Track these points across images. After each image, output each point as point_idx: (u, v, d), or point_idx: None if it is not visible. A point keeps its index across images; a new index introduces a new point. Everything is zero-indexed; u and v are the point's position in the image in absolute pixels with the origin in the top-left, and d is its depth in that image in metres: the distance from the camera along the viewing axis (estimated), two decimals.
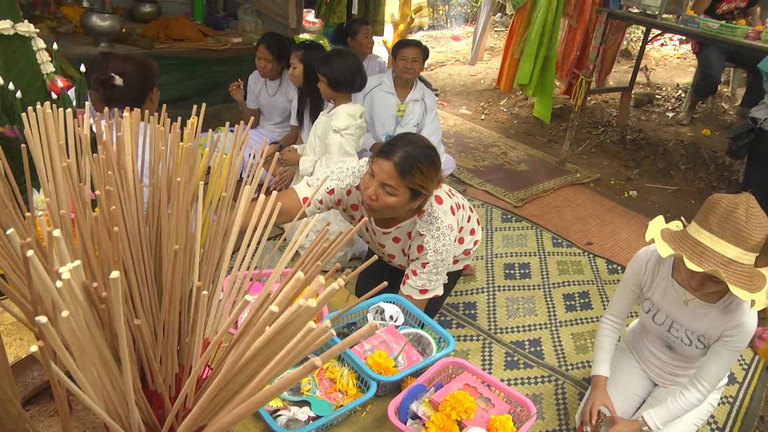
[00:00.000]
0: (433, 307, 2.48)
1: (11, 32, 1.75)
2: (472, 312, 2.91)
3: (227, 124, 1.09)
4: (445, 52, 7.91)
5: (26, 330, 1.27)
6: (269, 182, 3.56)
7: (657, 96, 6.34)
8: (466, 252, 2.54)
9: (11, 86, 1.68)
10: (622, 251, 3.58)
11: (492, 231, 3.65)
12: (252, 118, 1.15)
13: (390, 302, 1.72)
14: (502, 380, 2.20)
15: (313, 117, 3.48)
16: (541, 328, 2.86)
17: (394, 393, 1.41)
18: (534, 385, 2.51)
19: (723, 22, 3.76)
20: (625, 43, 7.30)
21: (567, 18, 5.34)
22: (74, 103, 1.90)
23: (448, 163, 4.08)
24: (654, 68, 7.35)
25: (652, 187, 4.57)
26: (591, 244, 3.63)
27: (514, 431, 1.32)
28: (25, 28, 1.76)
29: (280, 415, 1.29)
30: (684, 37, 7.37)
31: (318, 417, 1.30)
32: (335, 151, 2.94)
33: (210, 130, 1.10)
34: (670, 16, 4.02)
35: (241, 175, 1.04)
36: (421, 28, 8.42)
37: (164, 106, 1.01)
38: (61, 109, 0.84)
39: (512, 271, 3.28)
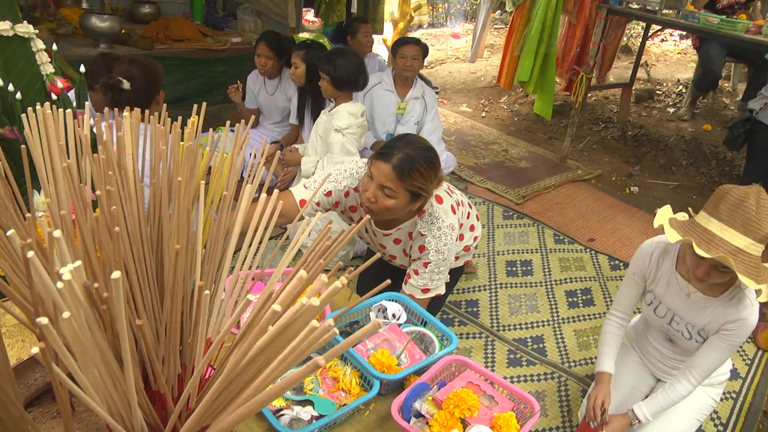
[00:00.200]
0: (435, 305, 2.48)
1: (10, 33, 1.74)
2: (475, 310, 2.91)
3: (227, 123, 1.09)
4: (445, 50, 7.91)
5: (28, 332, 1.27)
6: (270, 182, 3.57)
7: (658, 92, 6.33)
8: (467, 248, 2.54)
9: (11, 87, 1.68)
10: (623, 247, 3.58)
11: (493, 228, 3.64)
12: (252, 117, 1.14)
13: (392, 300, 1.72)
14: (505, 378, 2.20)
15: (314, 116, 3.47)
16: (543, 325, 2.86)
17: (397, 391, 1.41)
18: (537, 382, 2.50)
19: (723, 16, 3.75)
20: (625, 39, 7.29)
21: (567, 14, 5.33)
22: (74, 104, 1.90)
23: (448, 160, 4.08)
24: (654, 64, 7.33)
25: (654, 183, 4.56)
26: (593, 240, 3.63)
27: (517, 429, 1.32)
28: (25, 29, 1.75)
29: (283, 415, 1.29)
30: (684, 33, 7.37)
31: (321, 416, 1.30)
32: (337, 150, 2.93)
33: (210, 129, 1.09)
34: (671, 11, 4.01)
35: (242, 174, 1.03)
36: (420, 26, 8.40)
37: (164, 106, 1.01)
38: (61, 110, 0.84)
39: (514, 269, 3.27)
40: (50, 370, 0.57)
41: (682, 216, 1.89)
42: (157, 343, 0.81)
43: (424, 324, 1.66)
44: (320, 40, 4.23)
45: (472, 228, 2.53)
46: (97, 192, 0.76)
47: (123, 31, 4.27)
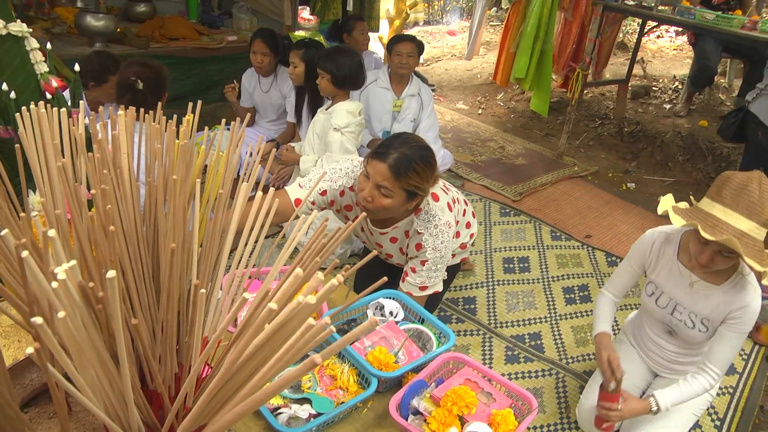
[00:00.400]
0: (432, 302, 2.48)
1: (4, 32, 1.73)
2: (472, 307, 2.91)
3: (223, 122, 1.09)
4: (441, 48, 7.90)
5: (24, 332, 1.27)
6: (266, 180, 3.57)
7: (654, 88, 6.33)
8: (463, 246, 2.54)
9: (5, 87, 1.67)
10: (620, 243, 3.58)
11: (490, 225, 3.64)
12: (248, 115, 1.14)
13: (390, 298, 1.72)
14: (503, 374, 2.20)
15: (312, 114, 3.47)
16: (541, 322, 2.86)
17: (395, 389, 1.41)
18: (535, 378, 2.51)
19: (719, 12, 3.75)
20: (621, 35, 7.29)
21: (563, 11, 5.33)
22: (69, 103, 1.89)
23: (445, 158, 4.08)
24: (650, 60, 7.34)
25: (650, 179, 4.56)
26: (590, 236, 3.63)
27: (515, 425, 1.32)
28: (18, 27, 1.74)
29: (281, 413, 1.29)
30: (680, 29, 7.37)
31: (319, 414, 1.30)
32: (336, 149, 2.92)
33: (206, 128, 1.09)
34: (666, 7, 4.01)
35: (238, 173, 1.03)
36: (416, 24, 8.40)
37: (159, 104, 1.01)
38: (55, 109, 0.83)
39: (511, 265, 3.27)
40: (46, 370, 0.57)
41: (684, 205, 1.90)
42: (153, 343, 0.81)
43: (422, 321, 1.66)
44: (316, 38, 4.22)
45: (468, 225, 2.53)
46: (92, 191, 0.75)
47: (118, 30, 4.25)
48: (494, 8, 8.61)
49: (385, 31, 6.67)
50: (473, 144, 4.89)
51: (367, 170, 1.96)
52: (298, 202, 2.05)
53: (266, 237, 0.89)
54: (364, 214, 1.02)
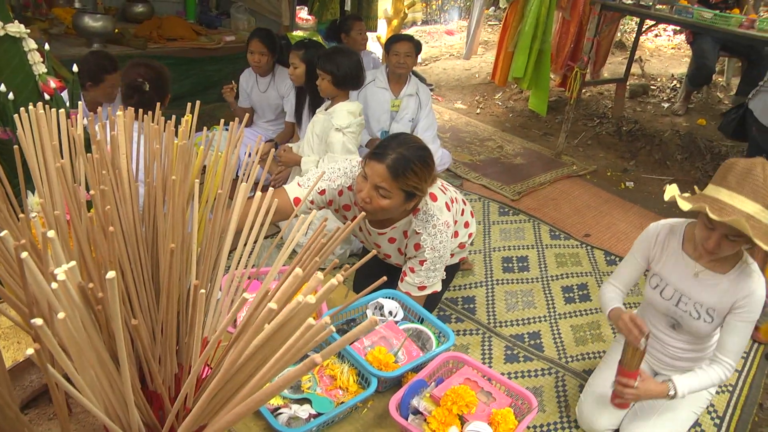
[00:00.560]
0: (431, 302, 2.48)
1: (2, 33, 1.73)
2: (471, 306, 2.91)
3: (221, 122, 1.09)
4: (439, 47, 7.90)
5: (24, 333, 1.27)
6: (265, 181, 3.56)
7: (652, 87, 6.33)
8: (462, 245, 2.54)
9: (3, 87, 1.67)
10: (619, 242, 3.58)
11: (489, 225, 3.64)
12: (246, 115, 1.14)
13: (389, 298, 1.72)
14: (503, 374, 2.20)
15: (312, 115, 3.46)
16: (540, 321, 2.86)
17: (394, 389, 1.41)
18: (534, 378, 2.51)
19: (717, 11, 3.75)
20: (619, 34, 7.29)
21: (561, 10, 5.33)
22: (67, 104, 1.89)
23: (444, 157, 4.08)
24: (648, 59, 7.34)
25: (649, 178, 4.57)
26: (588, 235, 3.63)
27: (515, 424, 1.32)
28: (16, 28, 1.74)
29: (281, 413, 1.29)
30: (678, 28, 7.37)
31: (319, 414, 1.30)
32: (338, 149, 2.92)
33: (205, 128, 1.09)
34: (664, 6, 4.01)
35: (237, 173, 1.03)
36: (414, 24, 8.40)
37: (158, 104, 1.01)
38: (53, 110, 0.83)
39: (510, 265, 3.27)
40: (46, 371, 0.57)
41: (688, 195, 1.91)
42: (153, 343, 0.81)
43: (421, 321, 1.66)
44: (314, 38, 4.22)
45: (466, 225, 2.53)
46: (92, 192, 0.75)
47: (116, 30, 4.25)
48: (492, 8, 8.61)
49: (383, 30, 6.67)
50: (472, 143, 4.89)
51: (365, 171, 1.95)
52: (297, 200, 2.05)
53: (265, 237, 0.89)
54: (363, 213, 1.02)
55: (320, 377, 1.42)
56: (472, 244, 2.76)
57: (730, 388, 2.54)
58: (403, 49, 3.66)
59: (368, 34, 4.97)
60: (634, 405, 2.16)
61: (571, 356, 2.65)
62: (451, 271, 2.64)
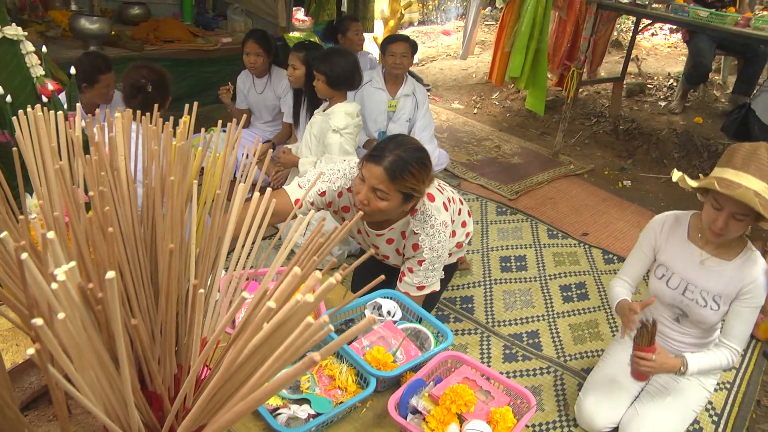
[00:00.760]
0: (430, 301, 2.48)
1: None
2: (470, 306, 2.91)
3: (219, 123, 1.09)
4: (435, 47, 7.90)
5: (23, 336, 1.27)
6: (263, 182, 3.57)
7: (649, 85, 6.34)
8: (459, 245, 2.54)
9: (1, 90, 1.67)
10: (617, 241, 3.59)
11: (487, 224, 3.65)
12: (244, 116, 1.14)
13: (387, 298, 1.72)
14: (501, 373, 2.21)
15: (310, 116, 3.47)
16: (538, 320, 2.87)
17: (393, 388, 1.41)
18: (533, 377, 2.51)
19: (712, 10, 3.76)
20: (615, 33, 7.30)
21: (557, 10, 5.34)
22: (65, 106, 1.89)
23: (441, 157, 4.08)
24: (645, 58, 7.35)
25: (646, 177, 4.57)
26: (586, 234, 3.64)
27: (514, 423, 1.33)
28: (13, 31, 1.75)
29: (280, 414, 1.29)
30: (674, 26, 7.38)
31: (318, 414, 1.30)
32: (336, 150, 2.93)
33: (203, 130, 1.09)
34: (660, 5, 4.02)
35: (234, 174, 1.03)
36: (411, 24, 8.40)
37: (155, 105, 1.01)
38: (52, 112, 0.84)
39: (508, 264, 3.28)
40: (46, 371, 0.57)
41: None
42: (152, 344, 0.81)
43: (420, 321, 1.66)
44: (311, 39, 4.23)
45: (464, 224, 2.53)
46: (90, 193, 0.76)
47: (113, 32, 4.25)
48: (489, 8, 8.62)
49: (379, 31, 6.68)
50: (469, 143, 4.90)
51: (363, 173, 1.96)
52: (297, 202, 2.06)
53: (263, 239, 0.89)
54: (361, 213, 1.02)
55: (319, 377, 1.42)
56: (469, 243, 2.77)
57: (728, 386, 2.55)
58: (399, 49, 3.67)
59: (365, 34, 4.98)
60: (634, 402, 2.17)
61: (569, 355, 2.66)
62: (449, 270, 2.64)
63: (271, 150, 3.49)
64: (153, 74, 2.69)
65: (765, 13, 5.99)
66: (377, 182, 1.91)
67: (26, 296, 0.70)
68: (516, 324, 2.82)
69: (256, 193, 0.88)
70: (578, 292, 3.11)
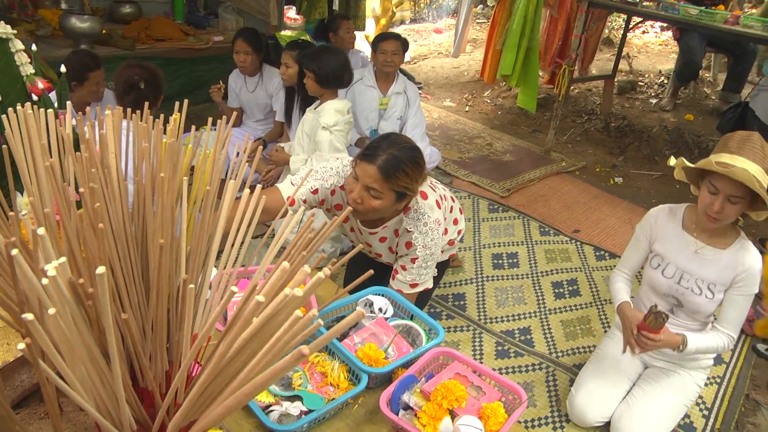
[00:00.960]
0: (422, 299, 2.49)
1: None
2: (462, 303, 2.92)
3: (209, 120, 1.09)
4: (427, 45, 7.91)
5: (13, 334, 1.27)
6: (254, 180, 3.57)
7: (640, 83, 6.37)
8: (451, 242, 2.55)
9: None
10: (609, 238, 3.61)
11: (479, 222, 3.66)
12: (234, 114, 1.14)
13: (379, 295, 1.73)
14: (494, 369, 2.22)
15: (303, 114, 3.47)
16: (530, 317, 2.88)
17: (385, 385, 1.42)
18: (525, 373, 2.53)
19: (702, 8, 3.78)
20: (606, 31, 7.33)
21: (548, 8, 5.35)
22: (55, 104, 1.89)
23: (433, 155, 4.09)
24: (636, 55, 7.38)
25: (637, 174, 4.60)
26: (578, 231, 3.66)
27: (505, 418, 1.33)
28: (2, 29, 1.74)
29: (272, 411, 1.30)
30: (665, 24, 7.42)
31: (310, 411, 1.31)
32: (326, 148, 2.93)
33: (193, 128, 1.09)
34: (651, 3, 4.04)
35: (225, 173, 1.04)
36: (403, 22, 8.40)
37: (146, 104, 1.01)
38: (42, 110, 0.84)
39: (500, 261, 3.29)
40: (37, 366, 0.57)
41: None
42: (143, 340, 0.81)
43: (411, 317, 1.67)
44: (303, 38, 4.22)
45: (455, 222, 2.54)
46: (81, 190, 0.76)
47: (104, 31, 4.23)
48: (480, 6, 8.63)
49: (371, 29, 6.67)
50: (461, 141, 4.91)
51: (356, 172, 1.96)
52: (290, 199, 2.06)
53: (253, 237, 0.90)
54: (349, 209, 1.03)
55: (311, 374, 1.42)
56: (461, 240, 2.77)
57: (718, 380, 2.57)
58: (390, 47, 3.67)
59: (356, 33, 4.98)
60: (626, 397, 2.18)
61: (561, 351, 2.67)
62: (441, 267, 2.65)
63: (261, 148, 3.48)
64: (146, 72, 2.70)
65: (754, 11, 6.02)
66: (371, 181, 1.91)
67: (17, 293, 0.71)
68: (508, 321, 2.84)
69: (246, 191, 0.89)
70: (570, 288, 3.12)
